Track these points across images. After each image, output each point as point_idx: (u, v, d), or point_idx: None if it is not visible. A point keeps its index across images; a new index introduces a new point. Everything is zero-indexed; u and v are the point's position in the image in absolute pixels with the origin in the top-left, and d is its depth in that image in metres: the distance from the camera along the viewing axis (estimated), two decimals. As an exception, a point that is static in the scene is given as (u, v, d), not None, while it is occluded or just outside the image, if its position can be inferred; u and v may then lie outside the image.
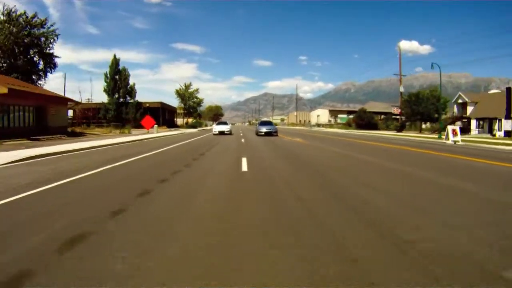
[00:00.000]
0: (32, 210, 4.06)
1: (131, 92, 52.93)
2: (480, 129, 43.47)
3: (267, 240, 3.01)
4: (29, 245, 2.86)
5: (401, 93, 44.59)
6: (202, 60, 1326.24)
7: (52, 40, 32.44)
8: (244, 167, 7.82)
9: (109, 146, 14.71)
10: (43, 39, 32.36)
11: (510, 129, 38.42)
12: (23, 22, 31.25)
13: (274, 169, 7.78)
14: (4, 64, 30.25)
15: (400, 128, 43.71)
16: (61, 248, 2.77)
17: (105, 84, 51.83)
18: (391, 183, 6.20)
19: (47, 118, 22.50)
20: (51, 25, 32.63)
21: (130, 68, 54.20)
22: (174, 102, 66.94)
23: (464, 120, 47.01)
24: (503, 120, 39.44)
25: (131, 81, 53.40)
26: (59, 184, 5.73)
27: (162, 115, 56.35)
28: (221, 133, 26.98)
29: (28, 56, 32.14)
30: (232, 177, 6.66)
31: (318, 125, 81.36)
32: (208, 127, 60.00)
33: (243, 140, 19.69)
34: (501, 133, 38.83)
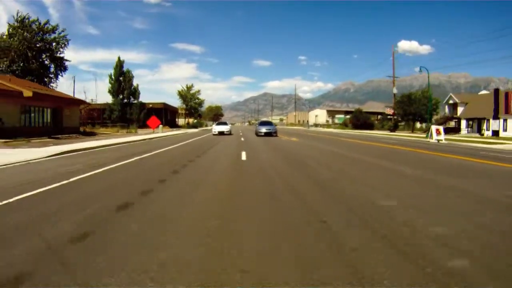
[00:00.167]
0: (89, 188, 5.98)
1: (135, 93, 54.77)
2: (469, 129, 45.42)
3: (259, 195, 4.99)
4: (92, 210, 4.12)
5: (394, 94, 46.58)
6: (201, 60, 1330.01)
7: (63, 44, 34.56)
8: (244, 157, 9.93)
9: (123, 144, 16.46)
10: (54, 44, 34.40)
11: (498, 129, 40.42)
12: (35, 28, 33.27)
13: (266, 159, 9.82)
14: (18, 68, 32.24)
15: (393, 128, 45.66)
16: (115, 210, 4.16)
17: (110, 85, 53.64)
18: (345, 165, 8.35)
19: (63, 119, 24.47)
20: (62, 31, 34.74)
21: (130, 69, 55.93)
22: (173, 102, 69.05)
23: (454, 120, 49.01)
24: (491, 120, 41.42)
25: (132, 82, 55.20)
26: (99, 171, 7.37)
27: (165, 115, 58.26)
28: (221, 133, 26.99)
29: (40, 60, 34.17)
30: (234, 163, 8.72)
31: (316, 125, 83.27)
32: (209, 127, 61.91)
33: (242, 138, 21.69)
34: (489, 133, 40.75)
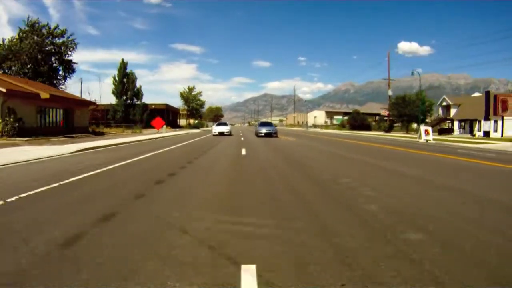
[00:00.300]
0: (127, 172, 7.54)
1: (138, 94, 56.39)
2: (462, 130, 47.01)
3: (256, 180, 6.56)
4: (139, 183, 6.22)
5: (389, 96, 48.25)
6: (201, 60, 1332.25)
7: (71, 48, 36.26)
8: (244, 153, 11.55)
9: (133, 143, 17.79)
10: (63, 47, 36.09)
11: (489, 130, 42.00)
12: (45, 32, 34.92)
13: (263, 154, 11.43)
14: (29, 70, 33.90)
15: (388, 129, 47.27)
16: (154, 184, 6.22)
17: (113, 86, 55.23)
18: (326, 158, 10.02)
19: (74, 119, 26.06)
20: (70, 35, 36.46)
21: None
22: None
23: (448, 121, 50.65)
24: (482, 122, 43.01)
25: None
26: (126, 162, 8.92)
27: (167, 116, 59.86)
28: (221, 134, 27.31)
29: (50, 63, 35.84)
30: (236, 157, 10.34)
31: (315, 126, 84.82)
32: (210, 128, 63.58)
33: (242, 138, 23.28)
34: (481, 134, 42.30)
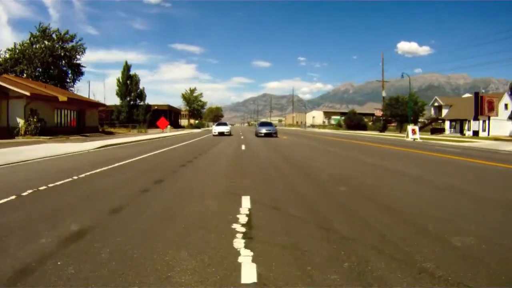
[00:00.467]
0: (153, 162, 9.55)
1: (141, 95, 58.34)
2: (452, 130, 49.02)
3: (254, 169, 8.58)
4: (166, 167, 8.33)
5: (383, 97, 50.28)
6: (201, 60, 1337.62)
7: (80, 52, 38.31)
8: (244, 148, 13.57)
9: (143, 141, 19.33)
10: (72, 51, 38.13)
11: (478, 129, 44.10)
12: (55, 38, 36.95)
13: (260, 150, 13.44)
14: (40, 74, 35.94)
15: (382, 129, 49.23)
16: (179, 166, 8.29)
17: (117, 88, 57.15)
18: (309, 152, 11.96)
19: (85, 119, 28.07)
20: (79, 40, 38.51)
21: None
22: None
23: (440, 121, 52.66)
24: (471, 121, 45.05)
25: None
26: (147, 155, 10.89)
27: (169, 116, 61.83)
28: (221, 134, 27.24)
29: (60, 66, 37.87)
30: (237, 151, 12.37)
31: (313, 126, 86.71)
32: (210, 128, 65.57)
33: (242, 137, 25.28)
34: (470, 133, 44.35)
